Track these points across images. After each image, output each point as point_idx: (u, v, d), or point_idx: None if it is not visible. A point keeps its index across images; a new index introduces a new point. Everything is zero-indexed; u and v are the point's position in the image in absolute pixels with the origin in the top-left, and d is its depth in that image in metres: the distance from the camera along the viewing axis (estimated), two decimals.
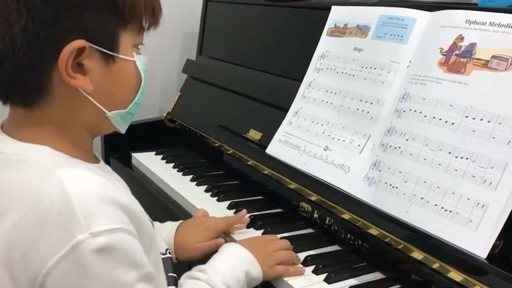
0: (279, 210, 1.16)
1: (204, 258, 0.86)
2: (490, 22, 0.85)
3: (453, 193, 0.81)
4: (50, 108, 0.64)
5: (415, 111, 0.91)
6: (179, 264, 0.94)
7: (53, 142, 0.64)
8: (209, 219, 1.04)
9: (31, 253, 0.57)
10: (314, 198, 1.04)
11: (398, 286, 0.88)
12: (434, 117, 0.88)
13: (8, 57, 0.60)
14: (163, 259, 0.81)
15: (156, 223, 0.99)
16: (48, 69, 0.61)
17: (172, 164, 1.39)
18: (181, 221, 1.01)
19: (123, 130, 0.73)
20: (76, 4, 0.61)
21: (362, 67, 1.06)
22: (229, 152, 1.31)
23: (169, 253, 0.86)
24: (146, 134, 1.54)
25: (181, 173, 1.34)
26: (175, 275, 0.83)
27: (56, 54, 0.60)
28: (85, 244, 0.56)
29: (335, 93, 1.10)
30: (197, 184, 1.26)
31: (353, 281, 0.88)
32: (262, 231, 1.03)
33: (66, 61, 0.60)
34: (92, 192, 0.60)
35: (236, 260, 0.85)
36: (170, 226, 0.99)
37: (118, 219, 0.60)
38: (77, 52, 0.61)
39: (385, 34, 1.03)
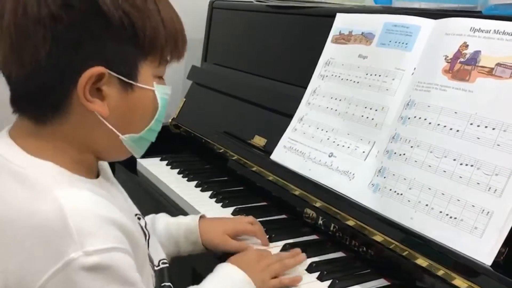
0: (283, 216, 1.16)
1: (205, 271, 0.87)
2: (495, 30, 0.85)
3: (458, 200, 0.81)
4: (62, 127, 0.66)
5: (420, 118, 0.92)
6: (178, 273, 0.95)
7: (56, 157, 0.65)
8: (234, 218, 1.09)
9: (26, 267, 0.58)
10: (318, 204, 1.04)
11: None
12: (438, 124, 0.88)
13: (33, 77, 0.63)
14: (158, 270, 0.82)
15: (171, 219, 1.02)
16: (69, 91, 0.64)
17: (177, 170, 1.39)
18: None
19: (137, 154, 0.74)
20: (98, 34, 0.63)
21: (366, 74, 1.06)
22: (233, 158, 1.31)
23: (163, 263, 0.87)
24: None
25: (186, 179, 1.34)
26: (169, 284, 0.84)
27: (76, 79, 0.63)
28: (77, 262, 0.57)
29: (340, 100, 1.10)
30: (202, 190, 1.27)
31: None
32: (267, 237, 1.03)
33: (84, 86, 0.63)
34: (88, 210, 0.61)
35: (229, 281, 0.85)
36: (192, 215, 1.04)
37: (113, 238, 0.61)
38: (96, 77, 0.63)
39: (390, 41, 1.04)
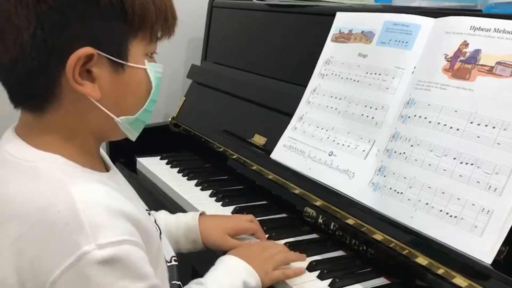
0: (283, 215, 1.16)
1: (204, 269, 0.87)
2: (495, 29, 0.85)
3: (458, 198, 0.81)
4: (58, 114, 0.65)
5: (420, 116, 0.92)
6: (183, 271, 0.94)
7: (64, 149, 0.65)
8: (233, 215, 1.07)
9: (39, 261, 0.58)
10: (318, 203, 1.04)
11: None
12: (439, 123, 0.88)
13: (19, 63, 0.61)
14: (168, 266, 0.82)
15: (174, 216, 1.01)
16: (57, 75, 0.62)
17: (177, 169, 1.39)
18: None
19: (133, 137, 0.73)
20: (85, 13, 0.61)
21: (366, 73, 1.06)
22: (233, 157, 1.31)
23: (175, 260, 0.87)
24: (151, 139, 1.54)
25: (186, 177, 1.34)
26: (179, 282, 0.83)
27: (64, 61, 0.61)
28: (91, 255, 0.57)
29: (340, 99, 1.10)
30: (201, 189, 1.27)
31: (358, 287, 0.88)
32: (267, 236, 1.03)
33: (73, 68, 0.61)
34: (100, 203, 0.60)
35: (233, 272, 0.85)
36: (192, 213, 1.02)
37: (125, 231, 0.61)
38: (85, 59, 0.62)
39: (390, 40, 1.04)
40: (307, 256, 0.96)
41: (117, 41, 0.64)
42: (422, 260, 0.83)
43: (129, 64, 0.66)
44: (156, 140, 1.56)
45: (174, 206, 1.23)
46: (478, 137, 0.82)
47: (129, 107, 0.69)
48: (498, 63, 0.83)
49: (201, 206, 1.16)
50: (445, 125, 0.87)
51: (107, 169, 0.75)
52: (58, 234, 0.57)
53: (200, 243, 0.98)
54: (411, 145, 0.91)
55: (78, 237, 0.57)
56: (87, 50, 0.61)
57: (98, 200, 0.61)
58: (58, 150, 0.64)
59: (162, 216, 1.01)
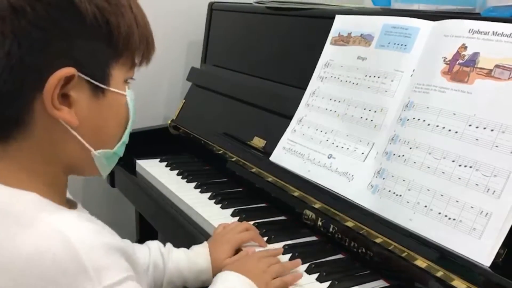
0: (283, 217, 1.16)
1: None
2: (493, 32, 0.86)
3: (457, 201, 0.82)
4: (27, 143, 0.58)
5: (419, 119, 0.92)
6: None
7: (35, 187, 0.58)
8: (228, 231, 1.01)
9: None
10: (318, 205, 1.04)
11: None
12: (437, 126, 0.88)
13: None
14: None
15: (181, 252, 0.97)
16: (31, 98, 0.56)
17: (176, 171, 1.39)
18: (205, 242, 0.99)
19: (104, 173, 0.66)
20: (68, 31, 0.56)
21: (365, 75, 1.07)
22: (233, 159, 1.32)
23: None
24: (151, 141, 1.55)
25: (185, 180, 1.34)
26: None
27: (41, 83, 0.55)
28: None
29: (339, 101, 1.10)
30: (201, 191, 1.27)
31: None
32: (266, 238, 1.04)
33: (53, 90, 0.55)
34: (97, 242, 0.55)
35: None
36: (203, 252, 0.96)
37: (123, 267, 0.58)
38: (64, 81, 0.56)
39: (389, 43, 1.04)
40: (306, 259, 0.96)
41: (99, 64, 0.60)
42: (421, 262, 0.83)
43: (110, 89, 0.61)
44: (156, 142, 1.56)
45: (173, 208, 1.23)
46: (477, 139, 0.82)
47: (106, 138, 0.64)
48: (497, 66, 0.83)
49: (200, 209, 1.16)
50: (443, 127, 0.87)
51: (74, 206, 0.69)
52: (57, 283, 0.52)
53: (209, 284, 0.93)
54: (410, 148, 0.91)
55: (82, 282, 0.52)
56: (69, 70, 0.56)
57: (94, 238, 0.55)
58: (30, 186, 0.58)
59: (172, 261, 0.95)
